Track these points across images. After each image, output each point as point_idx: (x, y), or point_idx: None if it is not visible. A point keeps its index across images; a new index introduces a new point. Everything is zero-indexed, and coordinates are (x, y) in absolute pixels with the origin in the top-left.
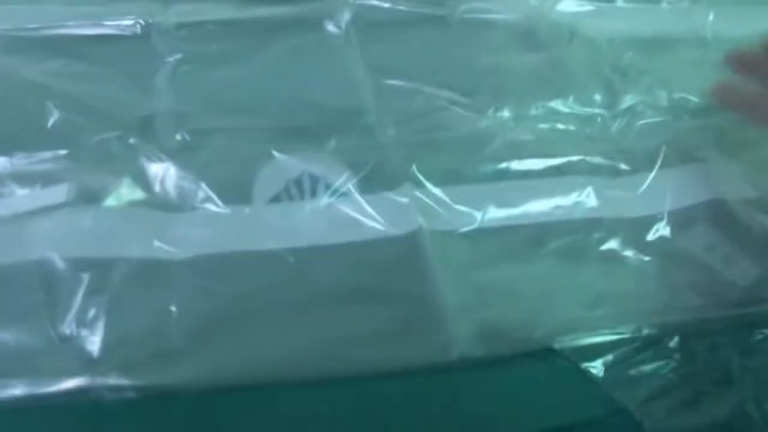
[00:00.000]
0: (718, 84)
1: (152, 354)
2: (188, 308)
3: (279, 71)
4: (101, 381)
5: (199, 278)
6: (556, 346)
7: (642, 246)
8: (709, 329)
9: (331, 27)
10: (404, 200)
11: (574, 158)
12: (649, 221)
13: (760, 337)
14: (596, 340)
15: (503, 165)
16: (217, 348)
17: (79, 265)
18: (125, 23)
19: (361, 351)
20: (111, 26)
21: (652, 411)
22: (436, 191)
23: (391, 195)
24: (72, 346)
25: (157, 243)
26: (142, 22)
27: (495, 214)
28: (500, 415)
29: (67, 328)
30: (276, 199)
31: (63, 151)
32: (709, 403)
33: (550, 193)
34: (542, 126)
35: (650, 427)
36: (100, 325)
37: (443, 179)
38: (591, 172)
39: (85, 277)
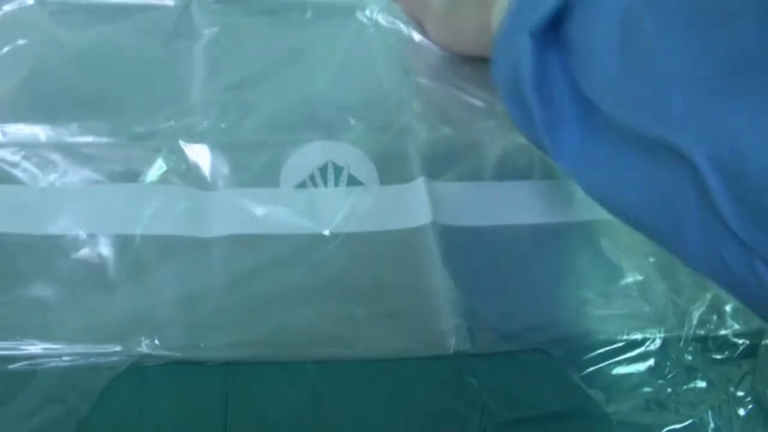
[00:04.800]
0: None
1: (181, 327)
2: (217, 285)
3: (310, 55)
4: (133, 349)
5: (227, 257)
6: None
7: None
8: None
9: (361, 15)
10: (417, 194)
11: None
12: None
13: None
14: (583, 340)
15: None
16: (242, 324)
17: (114, 239)
18: None
19: (365, 337)
20: None
21: (621, 408)
22: (449, 186)
23: (406, 188)
24: (105, 314)
25: (190, 221)
26: None
27: (504, 211)
28: (479, 404)
29: (100, 297)
30: (302, 185)
31: (105, 125)
32: (675, 406)
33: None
34: None
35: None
36: (132, 298)
37: (456, 175)
38: None
39: (119, 252)
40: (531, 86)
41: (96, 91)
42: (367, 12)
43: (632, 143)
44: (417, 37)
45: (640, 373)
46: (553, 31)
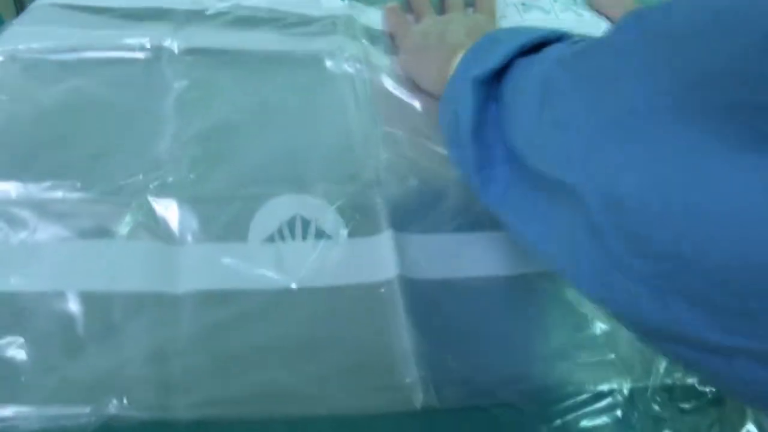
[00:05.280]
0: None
1: (151, 386)
2: (186, 342)
3: (278, 107)
4: (102, 410)
5: (196, 313)
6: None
7: None
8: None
9: (330, 65)
10: (384, 247)
11: None
12: None
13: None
14: (551, 393)
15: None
16: (210, 382)
17: (83, 297)
18: (136, 47)
19: (333, 394)
20: (123, 49)
21: None
22: (416, 239)
23: (373, 241)
24: (74, 374)
25: (158, 276)
26: (149, 46)
27: (471, 262)
28: None
29: (70, 357)
30: (270, 239)
31: (75, 181)
32: None
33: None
34: None
35: None
36: (102, 357)
37: (423, 227)
38: None
39: (88, 309)
40: (469, 130)
41: (67, 147)
42: (336, 60)
43: (542, 185)
44: (386, 84)
45: (607, 425)
46: (494, 85)
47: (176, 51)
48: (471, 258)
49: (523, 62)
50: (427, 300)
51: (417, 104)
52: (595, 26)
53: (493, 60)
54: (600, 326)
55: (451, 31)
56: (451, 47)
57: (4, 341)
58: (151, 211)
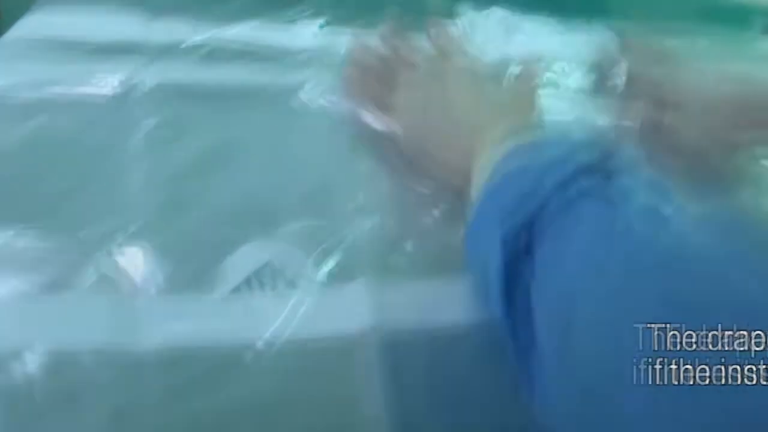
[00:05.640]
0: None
1: None
2: (149, 404)
3: (250, 145)
4: None
5: (160, 372)
6: None
7: None
8: None
9: (304, 98)
10: (358, 296)
11: None
12: None
13: None
14: None
15: None
16: None
17: (41, 357)
18: (105, 83)
19: None
20: (91, 86)
21: None
22: (391, 286)
23: (346, 289)
24: None
25: (121, 333)
26: (117, 82)
27: (450, 308)
28: None
29: (29, 426)
30: (238, 290)
31: (38, 230)
32: None
33: None
34: None
35: None
36: (62, 423)
37: (400, 272)
38: None
39: (47, 371)
40: (498, 291)
41: (29, 192)
42: (311, 94)
43: None
44: (362, 118)
45: None
46: (523, 234)
47: (146, 87)
48: (449, 304)
49: (553, 228)
50: (403, 352)
51: (396, 138)
52: (582, 47)
53: (523, 213)
54: None
55: (455, 102)
56: (466, 129)
57: None
58: (114, 262)
